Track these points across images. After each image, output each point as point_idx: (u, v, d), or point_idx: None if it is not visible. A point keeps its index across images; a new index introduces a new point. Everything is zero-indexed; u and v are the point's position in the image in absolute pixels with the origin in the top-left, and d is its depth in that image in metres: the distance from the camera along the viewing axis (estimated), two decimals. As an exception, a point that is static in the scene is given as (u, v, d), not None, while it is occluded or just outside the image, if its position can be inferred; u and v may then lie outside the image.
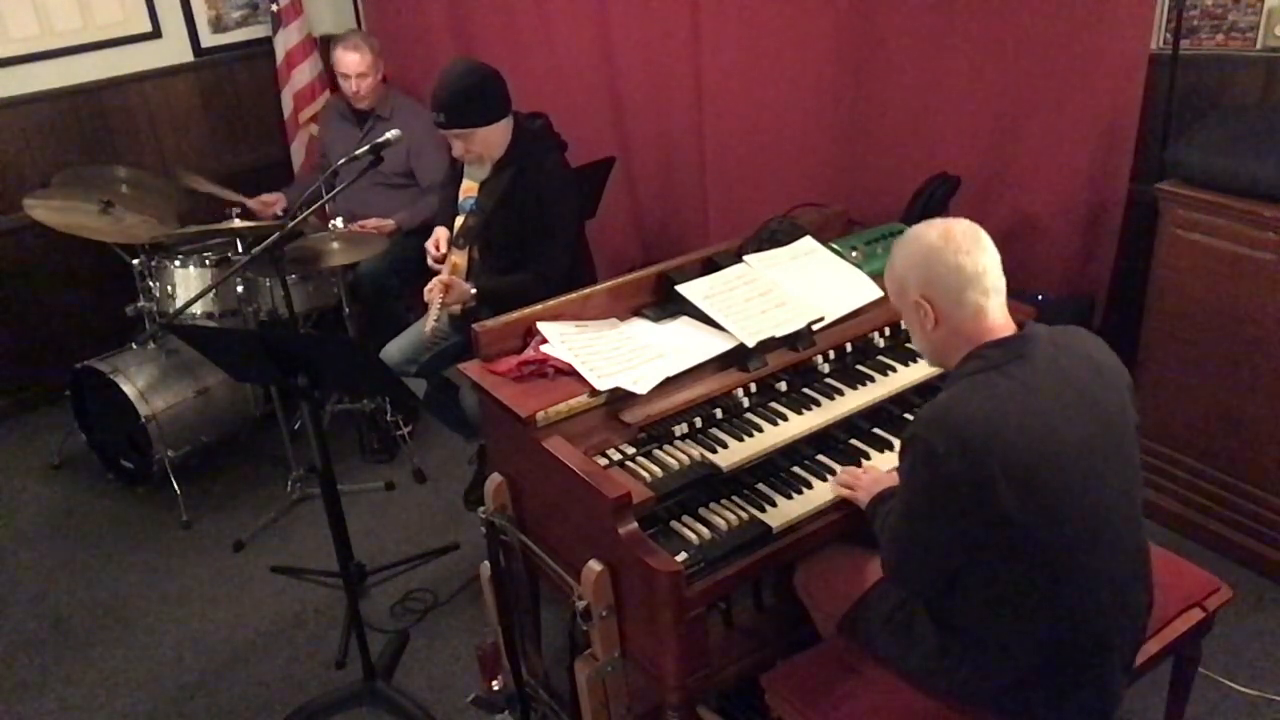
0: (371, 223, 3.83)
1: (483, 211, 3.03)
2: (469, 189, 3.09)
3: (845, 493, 2.05)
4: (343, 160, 2.87)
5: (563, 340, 2.25)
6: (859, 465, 2.14)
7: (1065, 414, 1.66)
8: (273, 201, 4.17)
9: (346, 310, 3.73)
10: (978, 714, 1.79)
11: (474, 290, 2.92)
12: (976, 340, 1.73)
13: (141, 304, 3.70)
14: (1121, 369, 1.80)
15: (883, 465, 2.14)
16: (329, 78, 4.67)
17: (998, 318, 1.74)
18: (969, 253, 1.72)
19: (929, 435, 1.64)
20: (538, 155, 3.00)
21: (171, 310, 3.58)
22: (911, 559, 1.76)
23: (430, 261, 3.14)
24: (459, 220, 3.10)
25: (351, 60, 3.98)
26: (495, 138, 2.94)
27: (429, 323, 2.93)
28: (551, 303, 2.37)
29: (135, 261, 3.64)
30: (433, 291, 2.91)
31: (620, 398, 2.16)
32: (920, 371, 2.35)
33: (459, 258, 3.07)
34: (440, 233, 3.20)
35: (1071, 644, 1.72)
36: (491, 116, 2.91)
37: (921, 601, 1.84)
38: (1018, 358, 1.69)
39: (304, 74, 4.62)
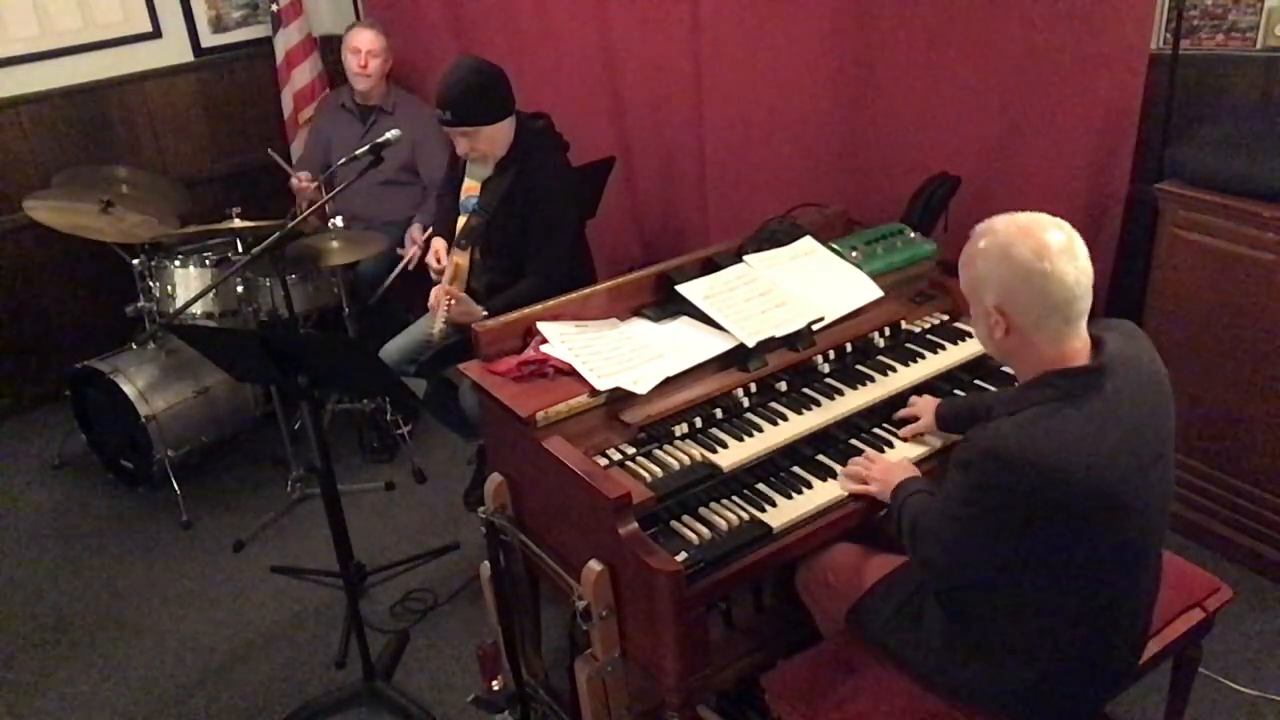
0: (411, 249, 3.77)
1: (485, 212, 3.03)
2: (470, 188, 3.10)
3: (858, 488, 2.04)
4: (342, 160, 2.88)
5: (563, 340, 2.25)
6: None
7: (1130, 447, 1.61)
8: (306, 179, 4.07)
9: (346, 310, 3.73)
10: (976, 714, 1.79)
11: (485, 313, 2.90)
12: (1047, 364, 1.64)
13: (141, 304, 3.70)
14: (1169, 382, 1.73)
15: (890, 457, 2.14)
16: (329, 77, 4.68)
17: (1075, 344, 1.64)
18: (1062, 277, 1.58)
19: (986, 466, 1.59)
20: (539, 155, 3.00)
21: (171, 310, 3.58)
22: (948, 562, 1.74)
23: (433, 274, 3.15)
24: (461, 220, 3.10)
25: (365, 36, 4.02)
26: (500, 136, 2.94)
27: (436, 326, 2.93)
28: (551, 303, 2.37)
29: (135, 261, 3.64)
30: (438, 298, 2.90)
31: (620, 398, 2.16)
32: (920, 371, 2.35)
33: (461, 258, 3.07)
34: (439, 244, 3.20)
35: (1079, 659, 1.72)
36: (496, 115, 2.91)
37: (937, 597, 1.84)
38: (1091, 392, 1.60)
39: (304, 74, 4.62)
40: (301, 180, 4.03)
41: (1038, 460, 1.55)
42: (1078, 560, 1.63)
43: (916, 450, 2.17)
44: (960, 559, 1.72)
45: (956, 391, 2.37)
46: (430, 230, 3.45)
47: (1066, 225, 1.66)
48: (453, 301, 2.87)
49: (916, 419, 2.22)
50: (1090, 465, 1.56)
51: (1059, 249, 1.60)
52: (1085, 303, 1.63)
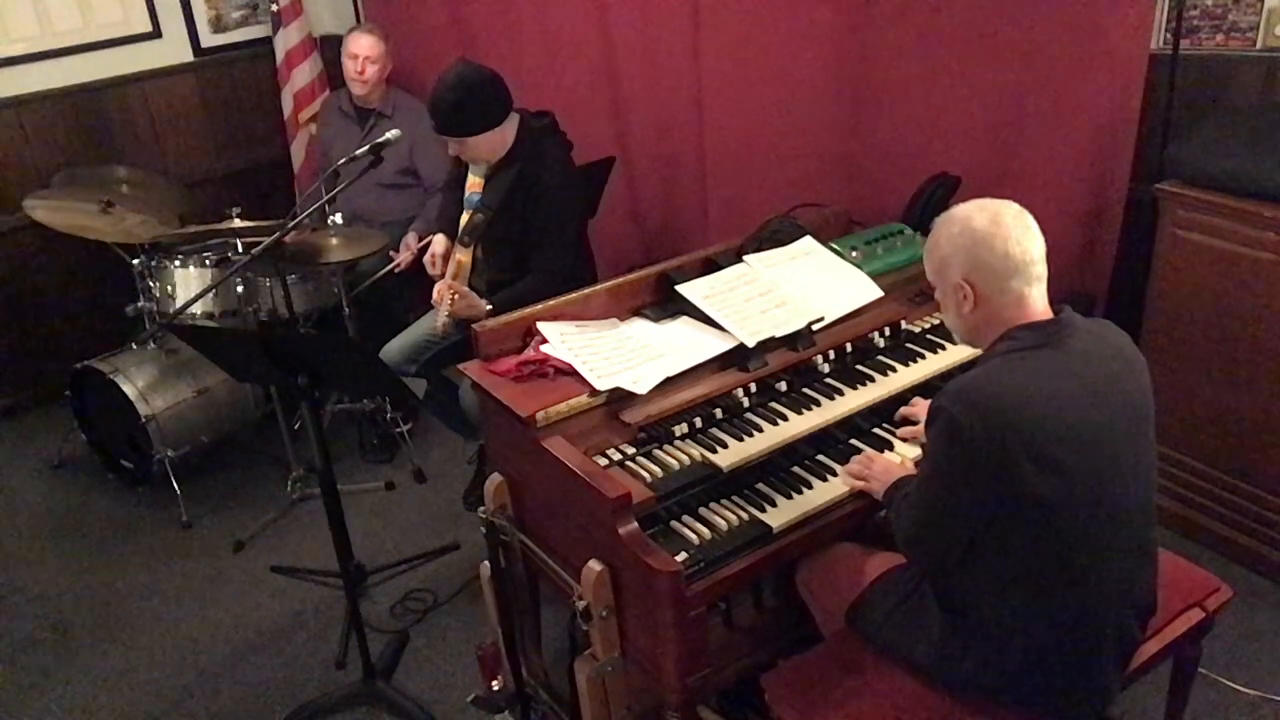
0: (405, 255, 3.81)
1: (488, 209, 3.03)
2: (474, 184, 3.10)
3: (857, 484, 2.05)
4: (343, 160, 2.88)
5: (563, 340, 2.25)
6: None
7: (1093, 400, 1.68)
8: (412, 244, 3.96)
9: (346, 310, 3.73)
10: (978, 709, 1.79)
11: (489, 307, 2.90)
12: (1012, 324, 1.74)
13: (141, 304, 3.70)
14: (1146, 367, 1.81)
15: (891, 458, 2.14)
16: (329, 78, 4.68)
17: (1037, 305, 1.75)
18: (1019, 241, 1.72)
19: (953, 406, 1.66)
20: (542, 153, 3.00)
21: (171, 310, 3.58)
22: (929, 527, 1.76)
23: (431, 273, 3.15)
24: (464, 217, 3.10)
25: (365, 42, 4.02)
26: (488, 144, 2.95)
27: (440, 319, 2.93)
28: (551, 303, 2.37)
29: (135, 261, 3.64)
30: (441, 293, 2.90)
31: (620, 398, 2.16)
32: (920, 371, 2.35)
33: (463, 255, 3.07)
34: (439, 246, 3.20)
35: (1074, 635, 1.73)
36: (482, 125, 2.90)
37: (930, 586, 1.85)
38: (1051, 343, 1.70)
39: (304, 74, 4.62)
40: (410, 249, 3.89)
41: (1003, 395, 1.65)
42: (1054, 514, 1.64)
43: (917, 450, 2.17)
44: (939, 523, 1.74)
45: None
46: (425, 242, 3.44)
47: (1022, 209, 1.77)
48: (455, 296, 2.87)
49: (916, 421, 2.22)
50: (1053, 399, 1.65)
51: (1012, 216, 1.75)
52: (1043, 268, 1.76)
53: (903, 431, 2.23)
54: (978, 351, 2.37)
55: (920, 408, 2.24)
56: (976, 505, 1.68)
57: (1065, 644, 1.73)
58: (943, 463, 1.70)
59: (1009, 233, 1.72)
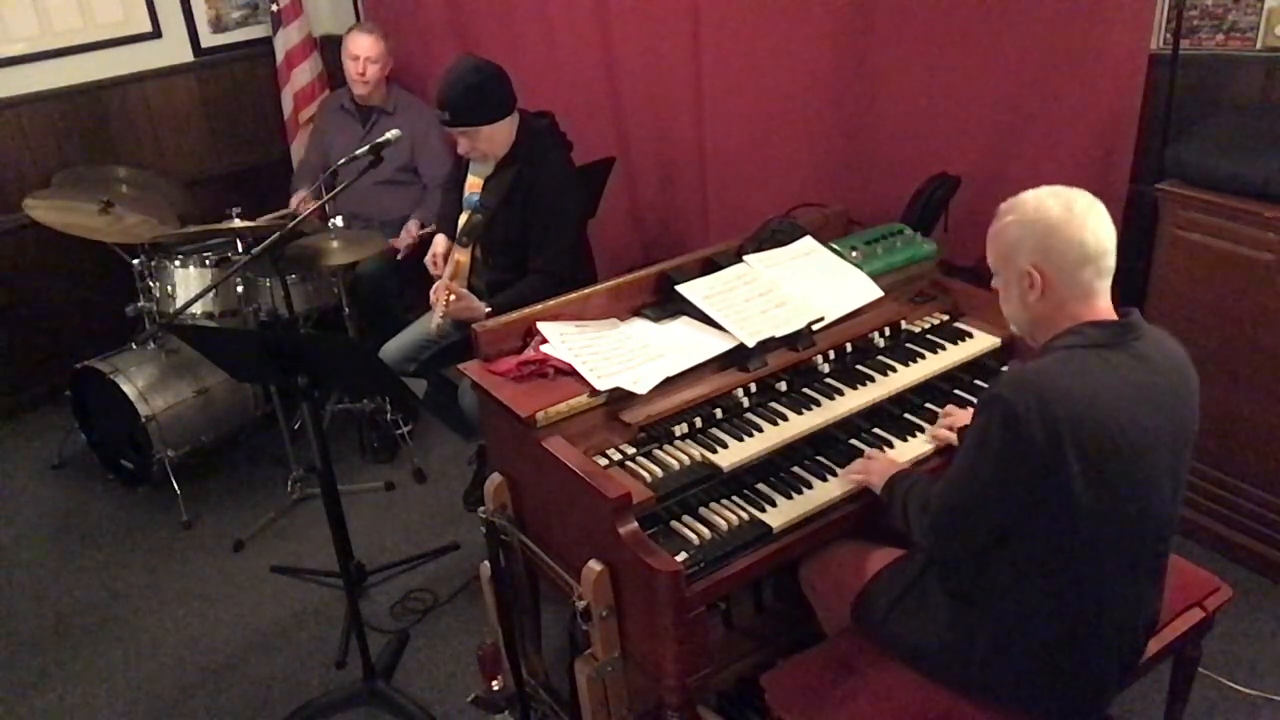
0: (405, 240, 3.87)
1: (487, 209, 3.03)
2: (473, 185, 3.09)
3: (858, 479, 2.04)
4: (343, 160, 2.88)
5: (563, 340, 2.25)
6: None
7: (1149, 408, 1.65)
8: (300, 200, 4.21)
9: (346, 310, 3.73)
10: (979, 706, 1.79)
11: (487, 310, 2.90)
12: (1078, 319, 1.71)
13: (141, 304, 3.70)
14: (1198, 386, 1.77)
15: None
16: (329, 77, 4.68)
17: (1103, 301, 1.72)
18: (1094, 230, 1.69)
19: (1012, 396, 1.62)
20: (541, 153, 3.01)
21: (171, 310, 3.58)
22: (964, 517, 1.74)
23: (433, 275, 3.16)
24: (463, 217, 3.11)
25: (365, 42, 4.02)
26: (499, 135, 2.95)
27: (434, 320, 2.93)
28: (551, 303, 2.37)
29: (135, 261, 3.64)
30: (438, 294, 2.90)
31: (620, 398, 2.16)
32: (920, 371, 2.35)
33: (462, 255, 3.07)
34: (439, 245, 3.20)
35: (1078, 638, 1.73)
36: (495, 115, 2.91)
37: (938, 574, 1.84)
38: (1118, 343, 1.67)
39: (304, 74, 4.62)
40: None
41: (1062, 389, 1.61)
42: (1084, 517, 1.63)
43: (918, 449, 2.18)
44: (975, 511, 1.71)
45: (957, 392, 2.37)
46: (427, 228, 3.45)
47: (1095, 198, 1.73)
48: (452, 297, 2.87)
49: (952, 425, 2.19)
50: (1111, 402, 1.62)
51: (1085, 204, 1.71)
52: (1113, 259, 1.72)
53: (935, 429, 2.21)
54: (979, 351, 2.39)
55: (958, 416, 2.21)
56: (1016, 495, 1.65)
57: (1069, 647, 1.73)
58: (992, 451, 1.65)
59: (1083, 220, 1.68)
